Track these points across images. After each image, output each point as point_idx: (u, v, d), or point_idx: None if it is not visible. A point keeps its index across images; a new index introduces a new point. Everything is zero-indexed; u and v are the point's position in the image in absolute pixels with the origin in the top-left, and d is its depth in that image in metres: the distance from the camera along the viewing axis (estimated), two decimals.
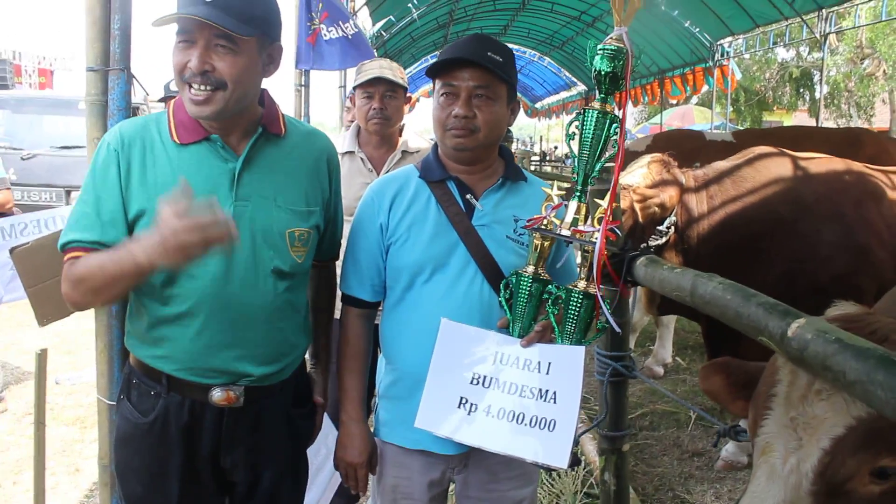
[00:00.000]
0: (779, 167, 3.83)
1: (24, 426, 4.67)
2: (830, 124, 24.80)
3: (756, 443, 1.31)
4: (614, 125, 1.86)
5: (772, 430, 1.28)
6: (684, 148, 5.69)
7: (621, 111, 1.89)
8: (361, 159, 3.31)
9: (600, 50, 1.86)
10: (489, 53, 1.99)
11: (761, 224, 3.67)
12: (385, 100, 3.24)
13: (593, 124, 1.86)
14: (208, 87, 1.80)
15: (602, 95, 1.88)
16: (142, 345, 1.95)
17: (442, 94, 2.03)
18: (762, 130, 9.44)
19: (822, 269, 3.62)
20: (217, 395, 1.90)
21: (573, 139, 1.91)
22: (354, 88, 3.34)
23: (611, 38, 1.87)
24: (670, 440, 4.75)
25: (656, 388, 2.51)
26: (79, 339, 6.17)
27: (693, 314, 4.06)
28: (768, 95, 28.25)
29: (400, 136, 3.40)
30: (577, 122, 1.90)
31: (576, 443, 2.87)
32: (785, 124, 27.76)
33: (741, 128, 22.58)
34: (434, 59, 2.21)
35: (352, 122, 4.09)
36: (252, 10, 1.82)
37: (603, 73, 1.85)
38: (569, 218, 1.90)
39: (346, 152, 3.31)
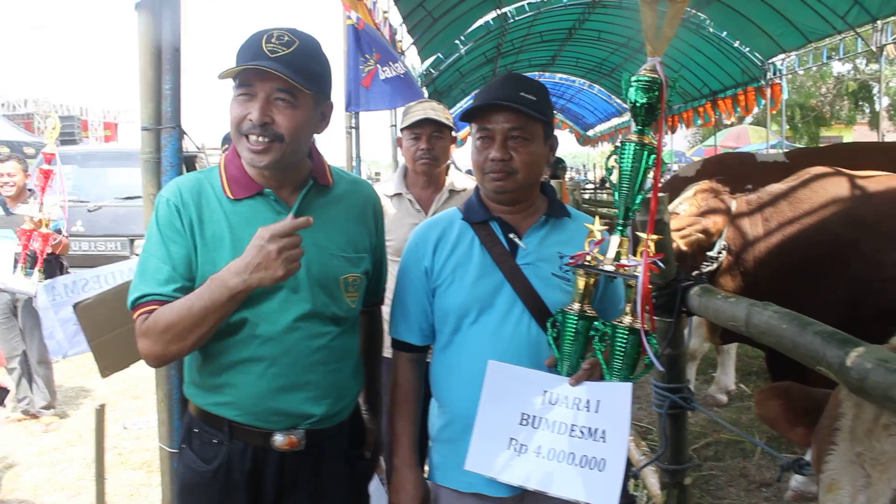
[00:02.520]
0: (836, 187, 3.74)
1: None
2: (894, 136, 24.06)
3: (821, 479, 1.25)
4: (653, 156, 1.85)
5: (837, 466, 1.22)
6: (735, 171, 5.60)
7: (657, 143, 1.87)
8: (409, 200, 3.35)
9: (634, 81, 1.85)
10: (522, 94, 1.99)
11: (821, 246, 3.57)
12: (432, 140, 3.28)
13: (632, 157, 1.85)
14: (266, 139, 1.85)
15: (639, 127, 1.87)
16: (203, 392, 2.00)
17: (478, 138, 2.05)
18: (816, 149, 9.26)
19: (888, 291, 3.49)
20: (279, 439, 1.94)
21: (612, 173, 1.90)
22: (402, 130, 3.40)
23: (645, 68, 1.86)
24: (737, 471, 4.60)
25: (717, 420, 2.44)
26: (145, 384, 6.31)
27: (757, 343, 3.96)
28: (825, 110, 27.62)
29: (446, 175, 3.44)
30: (615, 156, 1.89)
31: (635, 476, 2.80)
32: (844, 139, 27.10)
33: (799, 145, 22.10)
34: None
35: None
36: (312, 68, 1.89)
37: (638, 104, 1.84)
38: (611, 253, 1.88)
39: (395, 194, 3.36)
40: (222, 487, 1.96)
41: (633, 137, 1.87)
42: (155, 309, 1.85)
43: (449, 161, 3.46)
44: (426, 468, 2.26)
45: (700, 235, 3.53)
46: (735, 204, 3.68)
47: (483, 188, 2.11)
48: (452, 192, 3.37)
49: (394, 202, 3.33)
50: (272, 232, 1.72)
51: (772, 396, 1.48)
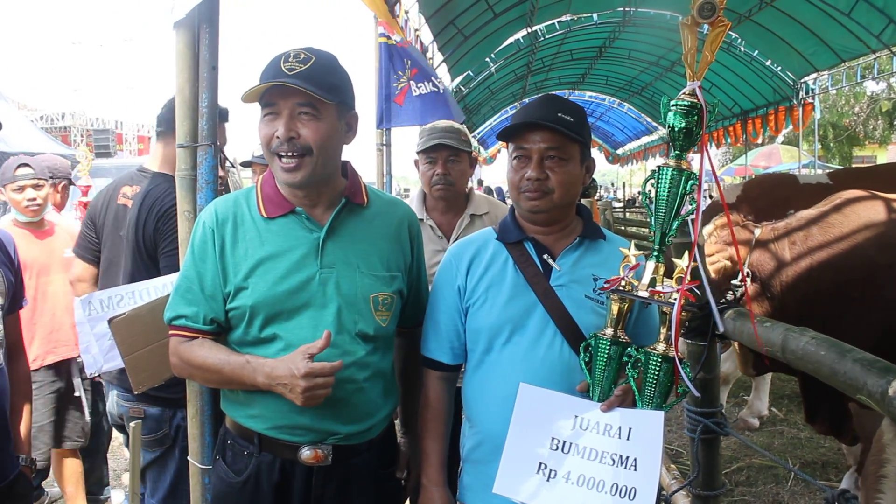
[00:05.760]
0: (869, 211, 3.68)
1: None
2: None
3: None
4: (690, 182, 1.83)
5: None
6: (777, 195, 5.47)
7: (699, 166, 1.86)
8: (430, 226, 3.27)
9: (673, 106, 1.83)
10: (560, 114, 2.00)
11: (853, 271, 3.51)
12: (448, 165, 3.20)
13: (668, 182, 1.83)
14: (295, 154, 1.91)
15: (677, 152, 1.86)
16: (236, 406, 2.05)
17: (515, 157, 2.05)
18: (858, 170, 8.96)
19: None
20: (306, 453, 1.97)
21: (649, 198, 1.89)
22: (417, 153, 3.32)
23: (684, 93, 1.84)
24: (769, 497, 4.52)
25: (750, 445, 2.41)
26: None
27: (791, 369, 3.89)
28: (858, 130, 27.27)
29: (468, 199, 3.36)
30: (652, 181, 1.88)
31: (666, 501, 2.76)
32: (878, 159, 26.67)
33: (831, 165, 21.79)
34: (512, 111, 2.23)
35: None
36: (330, 80, 1.94)
37: (677, 128, 1.83)
38: (646, 278, 1.86)
39: None
40: (250, 499, 2.01)
41: (671, 162, 1.85)
42: (188, 336, 1.99)
43: (470, 183, 3.40)
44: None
45: (728, 263, 3.52)
46: (759, 231, 3.67)
47: (518, 207, 2.11)
48: (474, 216, 3.28)
49: None
50: (310, 369, 1.81)
51: None
